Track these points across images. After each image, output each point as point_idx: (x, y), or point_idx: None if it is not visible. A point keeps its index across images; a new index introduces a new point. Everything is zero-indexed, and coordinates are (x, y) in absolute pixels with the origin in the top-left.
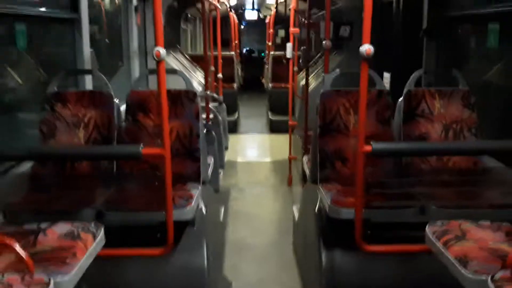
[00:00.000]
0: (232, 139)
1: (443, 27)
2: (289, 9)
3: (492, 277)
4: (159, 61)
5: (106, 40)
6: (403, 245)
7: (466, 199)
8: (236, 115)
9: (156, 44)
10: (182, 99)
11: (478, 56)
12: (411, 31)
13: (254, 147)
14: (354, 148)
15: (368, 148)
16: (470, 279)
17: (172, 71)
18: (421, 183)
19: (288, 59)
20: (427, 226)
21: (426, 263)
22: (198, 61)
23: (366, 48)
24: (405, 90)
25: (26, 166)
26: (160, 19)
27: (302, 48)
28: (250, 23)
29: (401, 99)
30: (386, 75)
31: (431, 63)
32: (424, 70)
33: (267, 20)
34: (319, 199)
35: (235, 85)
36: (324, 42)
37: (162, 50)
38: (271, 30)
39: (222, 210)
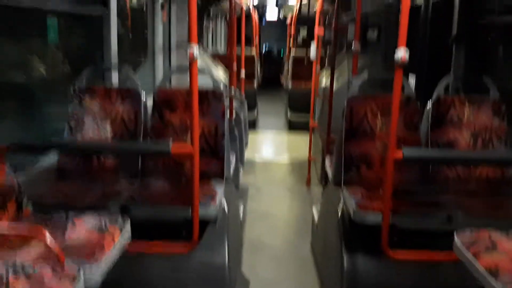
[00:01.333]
0: (251, 137)
1: (473, 33)
2: (314, 11)
3: None
4: (192, 61)
5: (130, 35)
6: (430, 253)
7: (494, 209)
8: (255, 113)
9: (189, 42)
10: (209, 98)
11: (509, 64)
12: (438, 36)
13: (273, 146)
14: (382, 152)
15: (399, 154)
16: None
17: (200, 71)
18: (448, 191)
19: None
20: (455, 235)
21: (451, 271)
22: (220, 59)
23: (402, 53)
24: (433, 96)
25: (52, 159)
26: (194, 18)
27: (328, 47)
28: (269, 22)
29: (429, 105)
30: (411, 77)
31: (460, 69)
32: (453, 76)
33: (288, 21)
34: (342, 202)
35: (255, 82)
36: (353, 44)
37: (195, 51)
38: (293, 30)
39: (242, 208)
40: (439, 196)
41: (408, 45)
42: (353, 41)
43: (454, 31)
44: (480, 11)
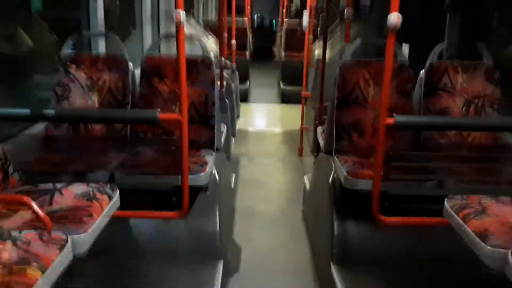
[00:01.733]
0: (243, 108)
1: None
2: None
3: None
4: (179, 24)
5: (117, 3)
6: (420, 218)
7: (485, 175)
8: (247, 84)
9: (176, 7)
10: (198, 66)
11: (503, 30)
12: (433, 2)
13: (265, 117)
14: (374, 120)
15: (390, 120)
16: (489, 254)
17: (189, 37)
18: (440, 158)
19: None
20: (446, 199)
21: (441, 237)
22: (212, 28)
23: (395, 18)
24: (427, 63)
25: (39, 128)
26: None
27: (321, 16)
28: None
29: (422, 72)
30: (405, 47)
31: (454, 36)
32: (446, 43)
33: None
34: (333, 169)
35: (247, 53)
36: (345, 10)
37: (182, 14)
38: (286, 0)
39: (233, 177)
40: (431, 162)
41: (402, 12)
42: (346, 8)
43: None
44: None
